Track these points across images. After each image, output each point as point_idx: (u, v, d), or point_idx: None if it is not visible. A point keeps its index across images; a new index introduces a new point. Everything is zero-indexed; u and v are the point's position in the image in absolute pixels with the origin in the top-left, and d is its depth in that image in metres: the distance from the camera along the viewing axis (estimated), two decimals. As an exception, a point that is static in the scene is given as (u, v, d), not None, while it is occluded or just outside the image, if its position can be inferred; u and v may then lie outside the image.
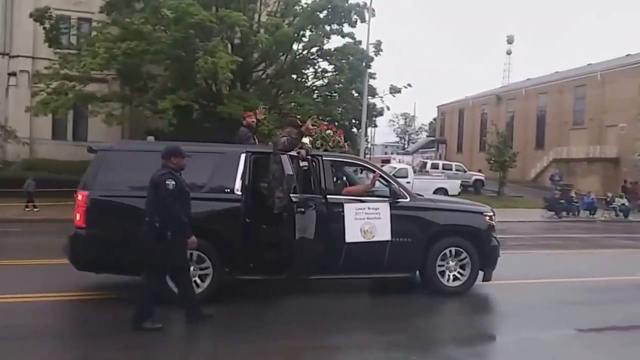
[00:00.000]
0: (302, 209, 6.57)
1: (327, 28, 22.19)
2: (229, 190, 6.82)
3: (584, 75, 43.77)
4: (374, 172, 7.70)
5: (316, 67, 24.70)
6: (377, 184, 7.68)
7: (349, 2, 22.17)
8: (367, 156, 71.18)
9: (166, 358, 5.38)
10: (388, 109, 26.51)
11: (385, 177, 7.76)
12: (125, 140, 6.84)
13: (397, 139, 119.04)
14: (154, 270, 5.71)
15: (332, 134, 8.56)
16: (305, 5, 22.46)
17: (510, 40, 74.21)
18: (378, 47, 22.97)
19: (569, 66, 56.81)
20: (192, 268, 6.40)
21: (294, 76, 24.18)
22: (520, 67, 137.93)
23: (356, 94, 24.80)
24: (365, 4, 22.66)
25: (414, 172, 34.34)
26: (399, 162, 44.74)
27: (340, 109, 24.57)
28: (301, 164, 6.91)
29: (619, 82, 38.94)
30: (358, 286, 8.07)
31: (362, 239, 6.91)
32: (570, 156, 41.82)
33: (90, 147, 7.18)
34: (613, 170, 38.38)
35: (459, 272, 7.59)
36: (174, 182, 5.62)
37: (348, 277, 7.54)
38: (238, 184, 6.83)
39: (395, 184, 7.58)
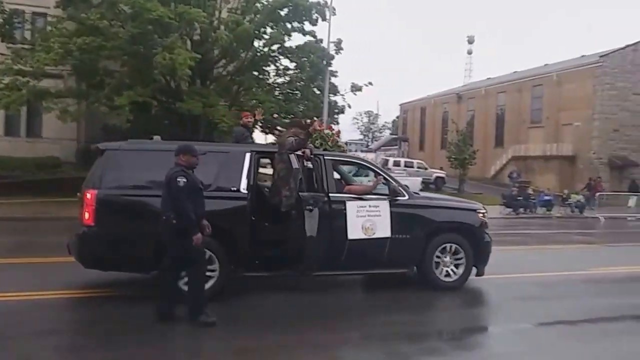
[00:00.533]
0: (311, 207, 6.78)
1: (288, 26, 22.09)
2: (235, 188, 6.90)
3: (541, 75, 44.93)
4: (374, 171, 7.99)
5: (277, 64, 24.58)
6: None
7: (310, 1, 22.13)
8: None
9: (176, 354, 5.40)
10: (349, 107, 26.63)
11: (385, 175, 7.92)
12: (133, 140, 7.09)
13: (361, 137, 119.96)
14: (185, 263, 5.91)
15: (330, 134, 8.66)
16: (266, 3, 22.32)
17: (470, 41, 75.71)
18: (339, 45, 23.04)
19: (527, 66, 58.19)
20: None
21: (255, 73, 23.99)
22: (484, 67, 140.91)
23: (318, 92, 24.81)
24: (326, 2, 22.71)
25: (377, 169, 34.61)
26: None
27: (301, 107, 24.52)
28: (305, 163, 7.14)
29: (574, 82, 40.14)
30: (349, 282, 8.27)
31: (363, 236, 7.12)
32: (528, 154, 42.86)
33: (97, 147, 7.19)
34: (569, 167, 39.54)
35: (454, 268, 7.84)
36: (185, 180, 5.73)
37: (349, 273, 7.83)
38: (244, 183, 6.94)
39: (394, 183, 7.79)
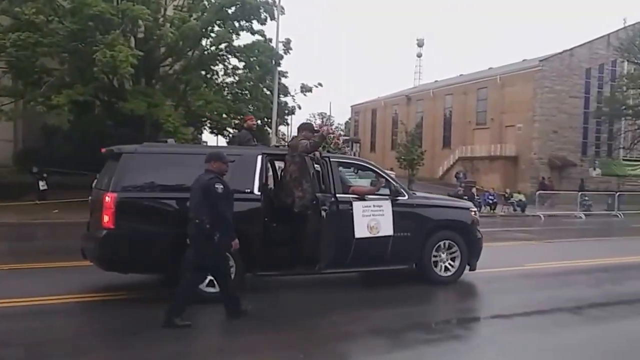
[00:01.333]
0: (327, 208, 7.11)
1: (236, 24, 21.81)
2: (248, 190, 7.07)
3: (486, 78, 46.32)
4: (376, 172, 8.25)
5: (226, 64, 24.26)
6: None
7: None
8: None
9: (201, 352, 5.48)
10: (300, 108, 26.64)
11: (385, 176, 8.24)
12: (148, 143, 7.80)
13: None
14: (202, 269, 6.07)
15: (332, 137, 8.58)
16: (213, 1, 21.96)
17: (420, 44, 77.23)
18: (287, 45, 22.95)
19: (473, 69, 59.90)
20: None
21: (203, 72, 23.58)
22: (436, 69, 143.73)
23: (268, 92, 24.65)
24: (274, 1, 22.55)
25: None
26: (315, 161, 44.97)
27: (251, 107, 24.30)
28: (315, 165, 7.51)
29: (516, 85, 41.57)
30: (348, 279, 8.49)
31: (369, 235, 7.45)
32: (474, 154, 44.09)
33: (112, 150, 7.27)
34: (512, 167, 40.91)
35: (449, 263, 8.27)
36: (222, 186, 5.96)
37: (355, 270, 8.13)
38: (257, 185, 7.14)
39: (394, 183, 8.20)
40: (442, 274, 8.20)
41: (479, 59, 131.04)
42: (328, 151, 8.62)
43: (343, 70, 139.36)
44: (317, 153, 7.49)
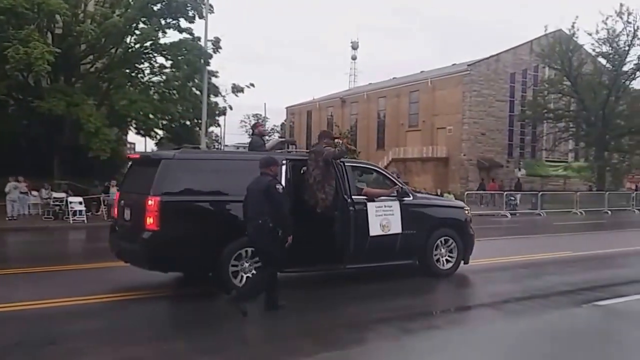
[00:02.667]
0: (354, 209, 7.86)
1: (162, 22, 21.10)
2: None
3: (417, 81, 47.38)
4: (385, 175, 9.17)
5: (152, 62, 23.37)
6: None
7: (185, -4, 21.29)
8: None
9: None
10: (231, 108, 26.18)
11: (392, 178, 9.04)
12: (184, 149, 8.21)
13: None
14: (274, 264, 6.47)
15: (341, 142, 9.08)
16: (138, -4, 21.11)
17: (354, 46, 78.25)
18: (217, 44, 22.45)
19: (405, 72, 61.22)
20: (247, 264, 7.24)
21: (127, 71, 22.63)
22: (375, 71, 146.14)
23: (197, 92, 23.98)
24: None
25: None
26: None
27: (180, 107, 23.59)
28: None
29: (446, 88, 42.78)
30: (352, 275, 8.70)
31: (381, 232, 8.09)
32: (407, 156, 44.96)
33: (148, 156, 7.87)
34: (443, 168, 42.06)
35: (448, 257, 8.96)
36: (282, 187, 6.52)
37: (368, 265, 8.46)
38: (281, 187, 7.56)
39: (401, 185, 8.82)
40: (443, 267, 8.89)
41: (412, 63, 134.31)
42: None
43: (279, 71, 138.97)
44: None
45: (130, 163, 8.73)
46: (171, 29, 21.87)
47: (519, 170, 39.06)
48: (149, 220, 6.86)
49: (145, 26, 20.84)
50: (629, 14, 34.15)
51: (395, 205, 8.32)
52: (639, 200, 31.10)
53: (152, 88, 23.76)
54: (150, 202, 6.85)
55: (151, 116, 22.81)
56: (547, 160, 42.90)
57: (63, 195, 18.29)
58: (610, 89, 35.42)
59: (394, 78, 56.22)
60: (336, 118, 54.55)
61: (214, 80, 24.79)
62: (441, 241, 8.88)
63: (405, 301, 7.54)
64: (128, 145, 35.99)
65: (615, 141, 37.09)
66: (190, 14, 21.40)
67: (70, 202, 17.56)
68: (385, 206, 8.25)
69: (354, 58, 77.94)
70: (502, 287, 8.70)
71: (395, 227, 8.22)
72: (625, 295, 7.79)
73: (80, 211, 17.52)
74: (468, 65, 42.09)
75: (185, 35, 22.35)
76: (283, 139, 72.01)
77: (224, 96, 25.58)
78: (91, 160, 20.58)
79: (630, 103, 36.47)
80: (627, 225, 21.69)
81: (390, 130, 49.21)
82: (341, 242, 7.84)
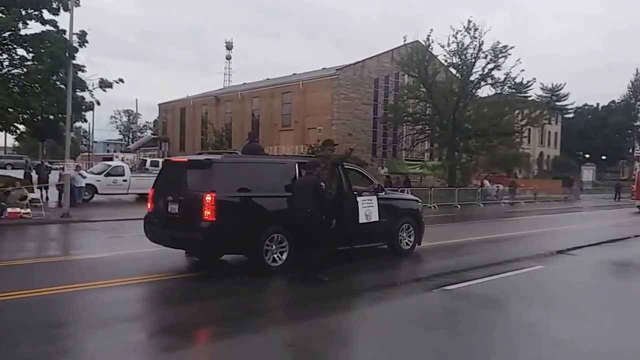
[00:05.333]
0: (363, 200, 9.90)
1: (23, 12, 20.22)
2: None
3: (289, 83, 49.16)
4: (365, 175, 11.12)
5: (12, 53, 22.19)
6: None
7: (47, -12, 20.60)
8: (86, 153, 66.54)
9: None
10: (98, 103, 25.49)
11: (369, 177, 11.11)
12: (227, 154, 9.80)
13: (121, 137, 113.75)
14: (323, 240, 8.32)
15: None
16: (-5, -16, 20.06)
17: (229, 47, 78.43)
18: (83, 37, 21.87)
19: (278, 74, 62.82)
20: (274, 246, 8.83)
21: (-17, 62, 21.32)
22: (249, 72, 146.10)
23: (62, 86, 23.15)
24: (68, -9, 21.35)
25: (133, 169, 33.74)
26: (122, 159, 43.18)
27: (43, 102, 22.64)
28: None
29: (316, 91, 44.97)
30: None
31: (365, 221, 9.85)
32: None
33: (198, 161, 9.20)
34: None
35: (408, 241, 11.16)
36: (324, 184, 8.68)
37: (356, 246, 10.18)
38: None
39: (376, 182, 10.88)
40: (405, 248, 11.06)
41: (284, 64, 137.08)
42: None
43: (153, 68, 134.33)
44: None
45: (165, 165, 10.33)
46: (33, 20, 21.00)
47: (382, 168, 42.12)
48: (207, 213, 8.25)
49: (4, 16, 19.86)
50: (475, 29, 37.21)
51: (374, 199, 10.14)
52: (484, 195, 35.06)
53: (12, 81, 22.55)
54: (208, 198, 8.24)
55: (10, 110, 21.71)
56: (406, 159, 46.59)
57: None
58: (459, 96, 38.18)
59: (267, 79, 57.56)
60: (211, 116, 54.63)
61: (80, 74, 24.02)
62: (404, 227, 11.09)
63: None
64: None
65: (464, 143, 39.91)
66: (55, 5, 20.71)
67: None
68: (367, 199, 10.05)
69: (228, 58, 78.26)
70: (365, 276, 9.50)
71: (375, 216, 10.02)
72: (470, 280, 8.73)
73: None
74: (337, 69, 44.60)
75: (48, 27, 21.57)
76: (155, 137, 70.00)
77: (91, 91, 24.85)
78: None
79: (476, 109, 39.62)
80: (474, 217, 23.91)
81: (264, 129, 50.39)
82: (350, 227, 9.55)
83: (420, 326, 6.41)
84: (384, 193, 10.76)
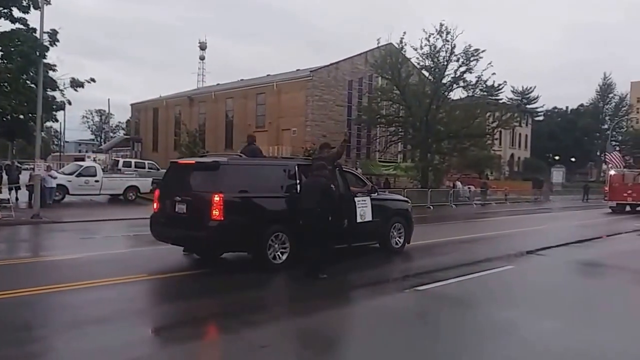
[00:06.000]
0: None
1: (-8, 10, 19.81)
2: (295, 190, 9.51)
3: (264, 84, 49.11)
4: (361, 179, 11.69)
5: (-19, 52, 21.68)
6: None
7: (17, -14, 20.20)
8: (57, 154, 65.24)
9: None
10: (69, 103, 25.14)
11: (363, 179, 11.78)
12: (232, 158, 9.96)
13: (93, 137, 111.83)
14: (329, 238, 8.89)
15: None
16: (-38, -19, 19.59)
17: (203, 47, 77.90)
18: (54, 36, 21.51)
19: (253, 75, 62.71)
20: (277, 245, 9.25)
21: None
22: (223, 72, 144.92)
23: (32, 85, 22.72)
24: (38, -11, 20.97)
25: (106, 170, 33.27)
26: (94, 160, 42.44)
27: (13, 101, 22.17)
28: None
29: (290, 92, 45.02)
30: None
31: (360, 220, 10.35)
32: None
33: (204, 163, 9.83)
34: (288, 168, 44.03)
35: (398, 240, 11.70)
36: (333, 186, 9.17)
37: (354, 245, 10.75)
38: (298, 187, 9.56)
39: (370, 184, 11.55)
40: (396, 246, 11.62)
41: (259, 66, 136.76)
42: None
43: (126, 68, 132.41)
44: (339, 162, 10.38)
45: (172, 167, 10.46)
46: (2, 18, 20.57)
47: (356, 169, 42.36)
48: (215, 212, 8.65)
49: (-28, 13, 19.43)
50: (447, 33, 37.49)
51: (368, 200, 10.64)
52: (456, 196, 35.61)
53: (-19, 80, 22.04)
54: (216, 198, 8.64)
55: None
56: (380, 161, 46.96)
57: None
58: (432, 98, 38.52)
59: (241, 80, 57.35)
60: (184, 117, 54.16)
61: (51, 73, 23.64)
62: (395, 226, 11.66)
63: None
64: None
65: (436, 144, 40.33)
66: (25, 3, 20.35)
67: None
68: (362, 200, 10.52)
69: (202, 58, 77.87)
70: (342, 277, 9.41)
71: (369, 216, 10.53)
72: (442, 280, 8.91)
73: None
74: (311, 71, 44.72)
75: (18, 25, 21.15)
76: (128, 137, 69.08)
77: (62, 90, 24.46)
78: None
79: (449, 111, 40.03)
80: (446, 218, 24.38)
81: (238, 130, 50.22)
82: (348, 226, 10.09)
83: (392, 326, 6.52)
84: (376, 194, 11.22)
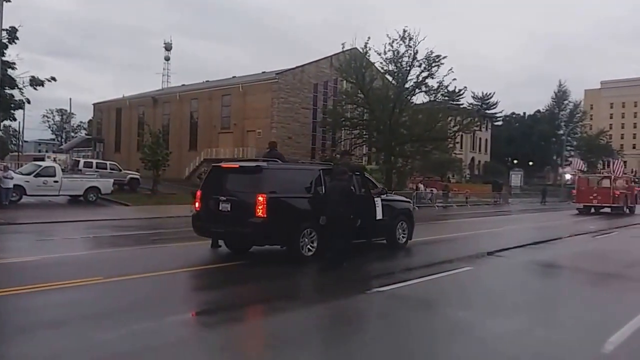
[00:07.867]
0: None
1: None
2: (321, 192, 10.67)
3: (229, 85, 48.91)
4: (372, 181, 12.63)
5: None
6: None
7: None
8: (16, 153, 63.27)
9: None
10: (28, 102, 24.57)
11: (374, 182, 12.74)
12: (271, 162, 10.88)
13: (53, 137, 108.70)
14: (350, 233, 10.18)
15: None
16: None
17: (168, 47, 76.94)
18: (13, 34, 21.05)
19: (218, 76, 62.29)
20: (307, 239, 10.46)
21: None
22: (188, 73, 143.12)
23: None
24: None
25: (66, 170, 32.48)
26: (54, 160, 41.35)
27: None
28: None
29: (256, 94, 44.97)
30: None
31: (380, 218, 11.74)
32: (219, 156, 45.87)
33: (254, 167, 10.57)
34: (253, 170, 43.97)
35: (402, 235, 13.09)
36: (354, 189, 10.71)
37: (363, 240, 12.18)
38: (321, 188, 10.76)
39: (381, 187, 12.76)
40: (400, 242, 12.99)
41: (224, 67, 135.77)
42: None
43: (90, 67, 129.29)
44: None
45: (214, 170, 11.26)
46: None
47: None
48: (259, 211, 9.76)
49: None
50: (410, 39, 38.29)
51: (379, 201, 11.80)
52: (419, 198, 36.15)
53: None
54: (260, 198, 9.77)
55: None
56: (345, 163, 47.25)
57: None
58: (395, 102, 39.20)
59: (206, 81, 56.95)
60: (148, 117, 53.43)
61: (10, 71, 23.07)
62: (400, 224, 12.99)
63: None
64: None
65: (400, 147, 40.92)
66: (-17, 0, 19.77)
67: None
68: (375, 200, 11.65)
69: (167, 59, 76.98)
70: (299, 280, 9.54)
71: (380, 215, 11.72)
72: (403, 281, 9.04)
73: None
74: (276, 73, 44.80)
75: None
76: (90, 137, 67.76)
77: (21, 89, 23.91)
78: None
79: (411, 115, 40.88)
80: None
81: (202, 131, 49.86)
82: (369, 223, 11.41)
83: (352, 327, 6.60)
84: (385, 195, 12.47)
